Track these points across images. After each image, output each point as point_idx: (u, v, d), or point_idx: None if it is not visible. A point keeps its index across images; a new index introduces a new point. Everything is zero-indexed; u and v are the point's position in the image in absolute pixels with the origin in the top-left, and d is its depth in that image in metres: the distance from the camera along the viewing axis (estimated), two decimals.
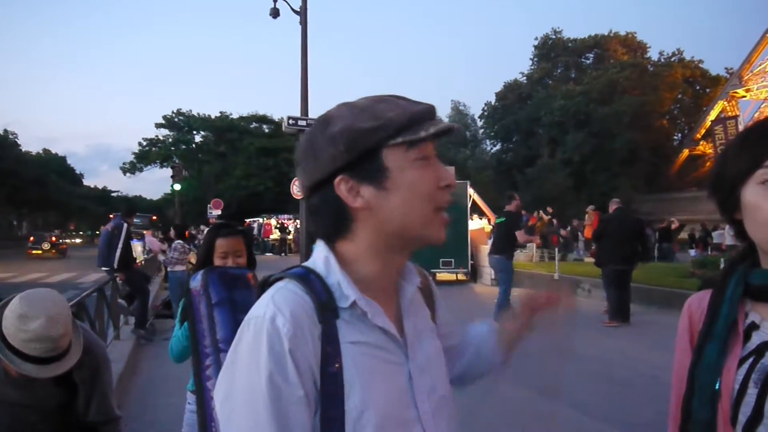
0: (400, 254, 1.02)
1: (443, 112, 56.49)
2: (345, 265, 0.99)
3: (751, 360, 1.04)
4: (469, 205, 15.61)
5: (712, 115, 44.16)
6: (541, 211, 19.47)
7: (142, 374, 6.52)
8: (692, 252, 20.02)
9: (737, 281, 1.09)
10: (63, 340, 1.97)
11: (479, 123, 55.07)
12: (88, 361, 2.12)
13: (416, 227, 0.97)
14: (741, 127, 30.52)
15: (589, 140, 42.16)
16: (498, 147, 53.94)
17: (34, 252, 34.05)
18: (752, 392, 1.02)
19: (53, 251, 34.51)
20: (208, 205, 26.42)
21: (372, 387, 0.93)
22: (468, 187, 15.54)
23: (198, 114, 52.26)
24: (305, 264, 1.02)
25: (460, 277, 15.24)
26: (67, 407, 2.10)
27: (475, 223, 16.24)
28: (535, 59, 54.85)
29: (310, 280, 0.97)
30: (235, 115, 52.86)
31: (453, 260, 14.60)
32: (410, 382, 0.99)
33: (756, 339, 1.05)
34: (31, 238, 36.35)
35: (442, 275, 14.74)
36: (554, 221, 21.05)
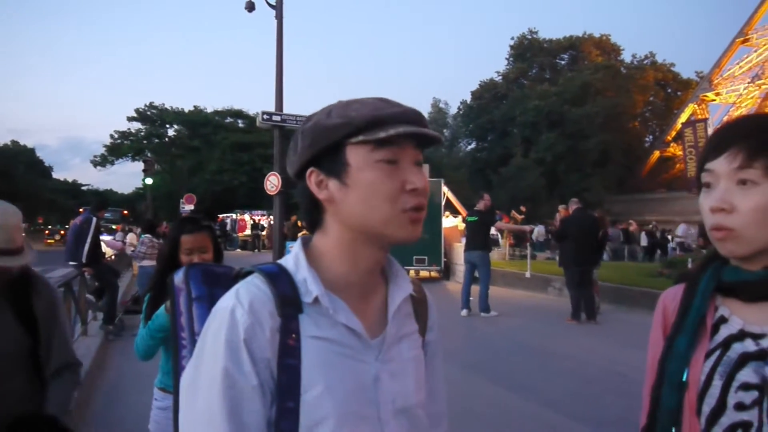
0: (371, 251, 1.02)
1: (424, 110, 56.68)
2: (318, 259, 1.02)
3: (717, 353, 1.08)
4: (443, 203, 15.65)
5: (683, 117, 44.91)
6: (514, 211, 19.61)
7: (110, 371, 6.42)
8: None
9: (710, 277, 1.14)
10: (17, 234, 1.99)
11: (456, 121, 55.34)
12: (44, 292, 2.10)
13: (376, 225, 0.98)
14: (710, 130, 31.15)
15: (562, 141, 42.63)
16: (473, 146, 54.25)
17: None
18: (717, 384, 1.06)
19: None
20: (181, 200, 26.13)
21: (331, 381, 0.94)
22: (442, 185, 15.60)
23: (171, 108, 51.70)
24: (278, 261, 1.05)
25: (433, 274, 15.31)
26: (31, 355, 2.05)
27: (448, 221, 16.30)
28: (511, 59, 55.24)
29: (277, 276, 0.99)
30: (209, 110, 52.39)
31: (426, 258, 14.66)
32: (376, 383, 1.00)
33: (724, 332, 1.10)
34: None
35: (415, 272, 14.79)
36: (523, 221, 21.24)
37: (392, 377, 1.02)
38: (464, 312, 9.99)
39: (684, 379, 1.10)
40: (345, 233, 1.01)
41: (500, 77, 53.81)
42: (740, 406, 1.04)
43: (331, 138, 0.98)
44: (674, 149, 46.29)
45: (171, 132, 52.72)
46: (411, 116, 0.99)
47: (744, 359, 1.06)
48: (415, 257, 14.54)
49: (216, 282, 1.34)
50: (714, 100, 45.54)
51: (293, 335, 0.95)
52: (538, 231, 21.96)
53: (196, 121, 50.23)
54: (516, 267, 14.59)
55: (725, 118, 42.25)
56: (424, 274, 15.21)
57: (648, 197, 41.19)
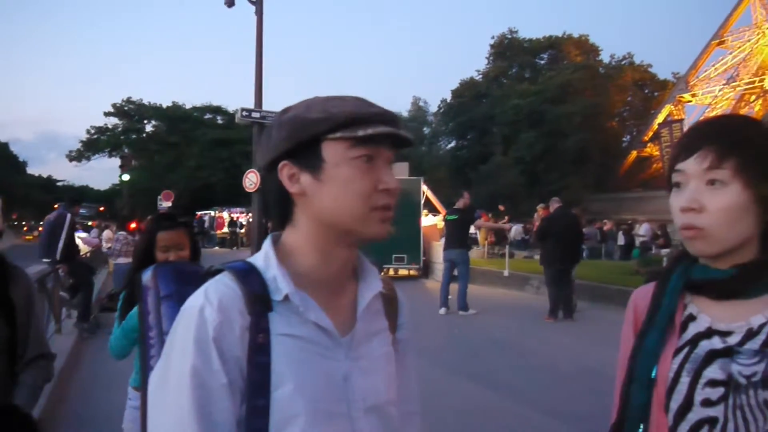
0: (341, 247, 1.02)
1: (403, 108, 56.73)
2: (288, 256, 1.02)
3: (686, 350, 1.10)
4: (423, 202, 15.67)
5: (660, 118, 45.49)
6: (490, 214, 19.73)
7: (84, 369, 6.34)
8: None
9: (679, 275, 1.16)
10: None
11: (437, 119, 55.46)
12: (21, 281, 2.07)
13: (347, 222, 0.99)
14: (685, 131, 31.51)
15: (541, 140, 42.93)
16: (453, 144, 54.40)
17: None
18: (685, 381, 1.08)
19: None
20: (159, 197, 25.85)
21: (302, 379, 0.95)
22: (421, 183, 15.61)
23: (149, 103, 51.06)
24: (248, 259, 1.04)
25: (412, 272, 15.32)
26: (8, 345, 2.01)
27: (428, 220, 16.32)
28: (491, 58, 55.51)
29: (247, 273, 0.99)
30: (188, 105, 51.86)
31: (405, 256, 14.66)
32: (347, 380, 1.00)
33: (692, 330, 1.12)
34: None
35: (394, 271, 14.82)
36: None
37: (363, 374, 1.02)
38: (442, 310, 10.02)
39: (653, 375, 1.12)
40: (315, 229, 1.01)
41: (481, 76, 54.06)
42: (707, 402, 1.06)
43: (310, 132, 0.98)
44: (651, 149, 46.87)
45: (149, 127, 52.09)
46: (388, 117, 1.00)
47: (711, 356, 1.08)
48: (394, 255, 14.54)
49: (185, 280, 1.32)
50: (690, 101, 46.23)
51: (263, 333, 0.95)
52: (516, 230, 22.10)
53: (175, 117, 49.68)
54: (494, 265, 14.66)
55: (701, 119, 42.74)
56: (403, 272, 15.24)
57: (625, 196, 41.64)
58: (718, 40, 46.26)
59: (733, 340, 1.07)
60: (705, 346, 1.09)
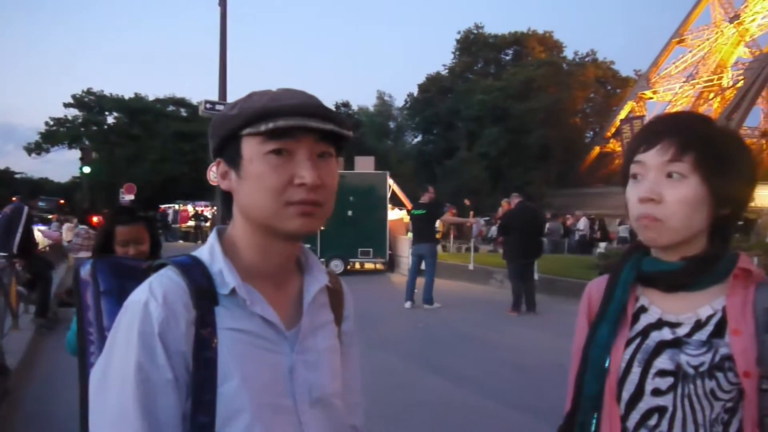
0: (275, 242, 1.02)
1: (369, 102, 56.51)
2: (232, 250, 1.02)
3: (637, 341, 1.14)
4: (389, 196, 15.70)
5: (622, 114, 46.39)
6: (455, 209, 19.83)
7: (41, 366, 6.20)
8: (602, 245, 21.12)
9: (630, 268, 1.19)
10: None
11: (403, 114, 55.46)
12: None
13: (262, 218, 0.98)
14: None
15: (505, 135, 43.34)
16: (419, 138, 54.54)
17: None
18: (636, 371, 1.12)
19: None
20: (121, 190, 25.36)
21: (247, 373, 0.94)
22: (387, 177, 15.64)
23: (111, 94, 49.93)
24: (193, 252, 1.04)
25: (378, 266, 15.36)
26: None
27: (394, 214, 16.36)
28: (457, 53, 55.75)
29: (192, 267, 0.99)
30: (151, 97, 50.89)
31: (371, 250, 14.69)
32: (292, 374, 1.00)
33: (643, 321, 1.15)
34: None
35: (360, 265, 14.83)
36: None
37: (308, 368, 1.02)
38: (408, 304, 10.06)
39: (606, 366, 1.15)
40: (246, 224, 1.02)
41: (446, 71, 54.25)
42: (657, 392, 1.10)
43: (227, 129, 0.99)
44: (613, 145, 47.76)
45: (110, 119, 50.88)
46: (309, 109, 0.97)
47: (661, 347, 1.11)
48: (359, 249, 14.57)
49: (125, 275, 1.29)
50: (651, 98, 47.20)
51: (209, 328, 0.94)
52: (478, 225, 22.27)
53: (137, 109, 48.67)
54: (459, 259, 14.78)
55: (660, 114, 43.74)
56: (369, 266, 15.26)
57: (587, 192, 42.35)
58: (678, 39, 47.29)
59: (681, 331, 1.11)
60: (655, 337, 1.13)
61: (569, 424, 1.23)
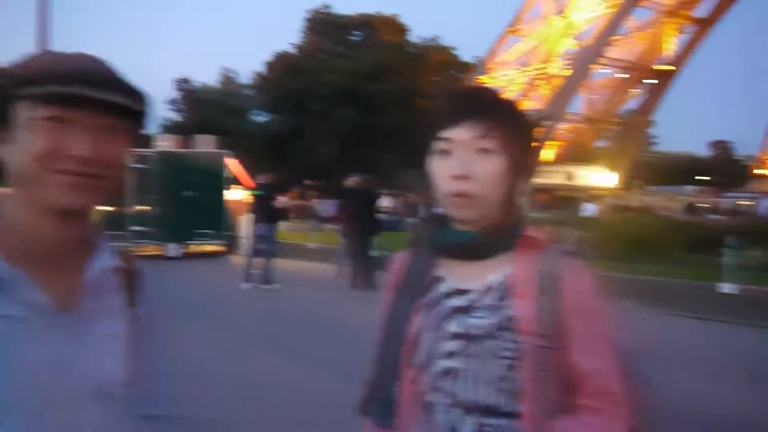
0: (49, 218, 0.94)
1: (212, 79, 54.45)
2: (3, 226, 0.94)
3: (431, 309, 1.19)
4: (228, 176, 15.21)
5: None
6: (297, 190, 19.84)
7: None
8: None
9: (430, 239, 1.25)
10: None
11: (249, 93, 54.02)
12: None
13: (27, 185, 0.92)
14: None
15: (356, 116, 43.78)
16: (268, 118, 53.47)
17: None
18: (428, 337, 1.17)
19: None
20: None
21: (13, 365, 0.86)
22: (225, 157, 15.16)
23: None
24: None
25: (218, 248, 14.88)
26: None
27: (234, 194, 15.90)
28: (307, 32, 55.22)
29: None
30: None
31: (208, 232, 14.21)
32: (67, 363, 0.92)
33: (438, 290, 1.20)
34: None
35: (197, 247, 14.31)
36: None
37: (86, 356, 0.95)
38: (247, 285, 9.98)
39: (403, 333, 1.20)
40: (18, 197, 0.94)
41: (296, 49, 53.58)
42: (448, 355, 1.15)
43: (1, 92, 0.91)
44: None
45: None
46: (92, 77, 0.90)
47: (453, 313, 1.17)
48: (196, 231, 14.03)
49: None
50: (487, 83, 49.93)
51: None
52: (322, 205, 22.43)
53: None
54: (301, 239, 14.78)
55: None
56: (207, 248, 14.74)
57: None
58: (512, 28, 50.30)
59: (472, 297, 1.17)
60: (448, 304, 1.18)
61: (372, 394, 1.27)
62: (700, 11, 51.79)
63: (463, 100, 1.21)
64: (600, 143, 54.78)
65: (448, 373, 1.15)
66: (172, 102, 49.97)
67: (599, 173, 45.80)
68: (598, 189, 42.80)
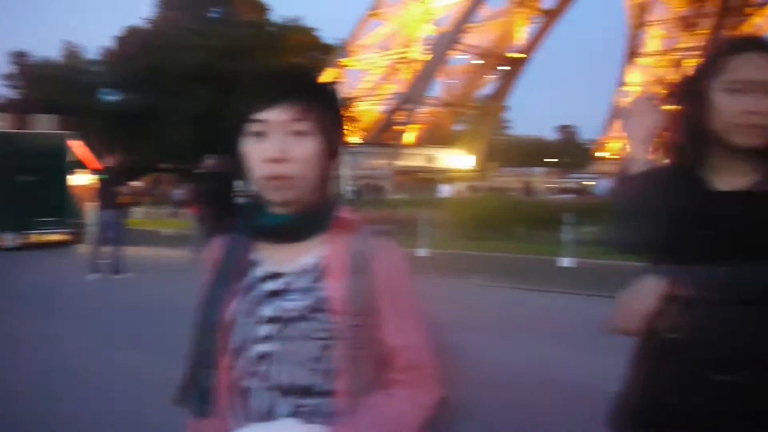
0: None
1: (53, 53, 50.15)
2: None
3: (247, 293, 1.17)
4: (73, 159, 14.14)
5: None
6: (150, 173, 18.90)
7: None
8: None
9: (246, 223, 1.22)
10: None
11: (97, 69, 50.27)
12: None
13: None
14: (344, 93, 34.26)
15: (214, 95, 42.19)
16: (118, 96, 50.07)
17: None
18: (244, 321, 1.15)
19: None
20: None
21: None
22: (69, 138, 14.06)
23: None
24: None
25: (62, 237, 13.83)
26: None
27: (79, 178, 14.82)
28: (161, 6, 52.35)
29: None
30: None
31: (51, 219, 13.17)
32: None
33: (253, 274, 1.18)
34: None
35: (39, 237, 13.23)
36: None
37: None
38: (94, 276, 9.45)
39: (218, 319, 1.17)
40: None
41: (149, 24, 50.62)
42: (262, 339, 1.14)
43: None
44: None
45: None
46: None
47: (267, 297, 1.15)
48: (36, 219, 12.93)
49: None
50: (350, 66, 50.25)
51: None
52: (176, 189, 21.68)
53: None
54: (153, 225, 14.14)
55: (357, 83, 46.93)
56: (51, 237, 13.65)
57: None
58: (373, 12, 50.84)
59: (286, 280, 1.16)
60: (262, 288, 1.16)
61: (188, 382, 1.23)
62: (547, 2, 55.35)
63: (278, 81, 1.20)
64: (458, 126, 57.12)
65: (263, 357, 1.14)
66: (7, 77, 45.45)
67: (457, 155, 47.81)
68: (456, 170, 44.69)
